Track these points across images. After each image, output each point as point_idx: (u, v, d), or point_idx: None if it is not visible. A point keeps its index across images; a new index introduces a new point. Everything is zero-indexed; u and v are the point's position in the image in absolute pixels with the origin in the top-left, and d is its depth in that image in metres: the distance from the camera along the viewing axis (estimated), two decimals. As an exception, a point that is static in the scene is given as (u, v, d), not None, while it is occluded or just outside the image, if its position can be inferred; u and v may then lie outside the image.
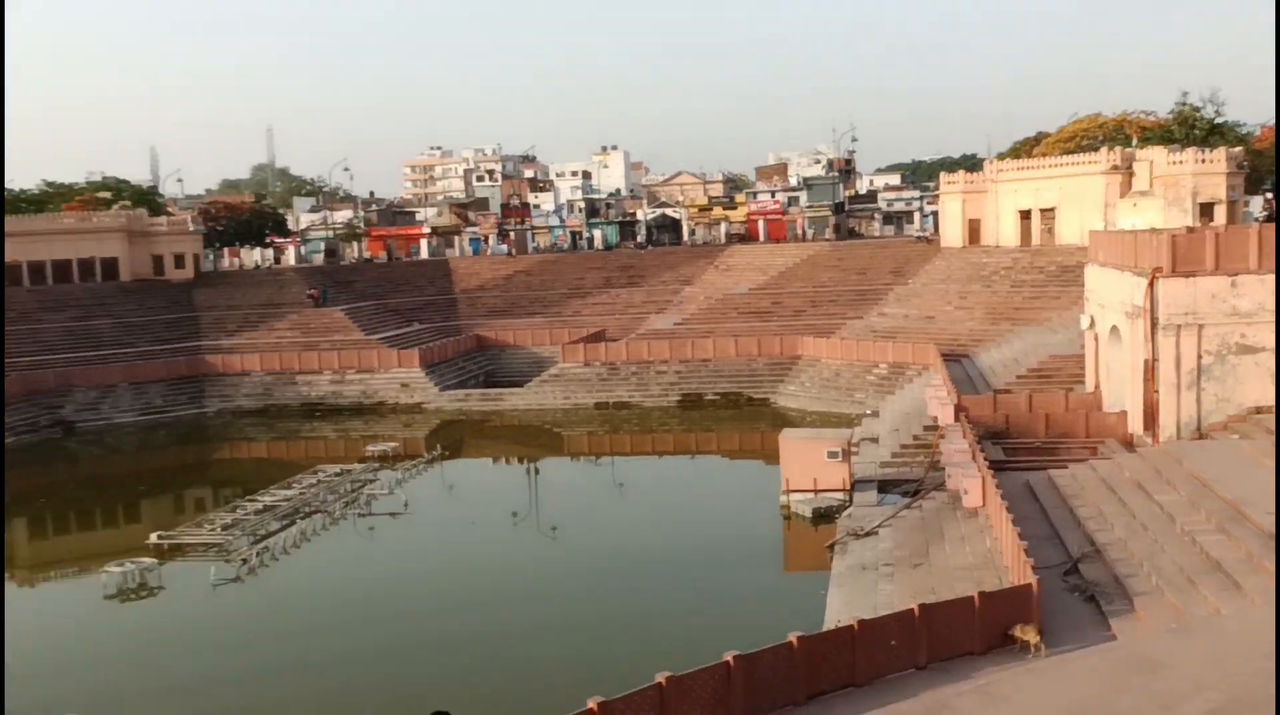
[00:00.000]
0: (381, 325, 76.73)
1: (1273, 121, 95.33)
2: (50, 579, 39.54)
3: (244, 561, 35.65)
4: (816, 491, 37.50)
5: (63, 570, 40.40)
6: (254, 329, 74.79)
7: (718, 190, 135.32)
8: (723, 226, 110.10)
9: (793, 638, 18.43)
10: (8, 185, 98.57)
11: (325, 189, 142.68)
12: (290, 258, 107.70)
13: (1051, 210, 67.40)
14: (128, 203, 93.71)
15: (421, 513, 43.19)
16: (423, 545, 39.59)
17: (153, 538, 37.68)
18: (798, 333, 65.88)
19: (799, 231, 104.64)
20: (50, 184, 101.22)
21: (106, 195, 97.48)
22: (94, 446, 60.80)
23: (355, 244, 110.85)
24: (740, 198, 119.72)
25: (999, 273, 66.19)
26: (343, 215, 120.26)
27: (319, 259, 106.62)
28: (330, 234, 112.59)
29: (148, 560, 35.23)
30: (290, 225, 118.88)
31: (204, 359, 69.89)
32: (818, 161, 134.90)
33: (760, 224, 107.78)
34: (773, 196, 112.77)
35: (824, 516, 36.27)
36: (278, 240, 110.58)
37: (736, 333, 67.54)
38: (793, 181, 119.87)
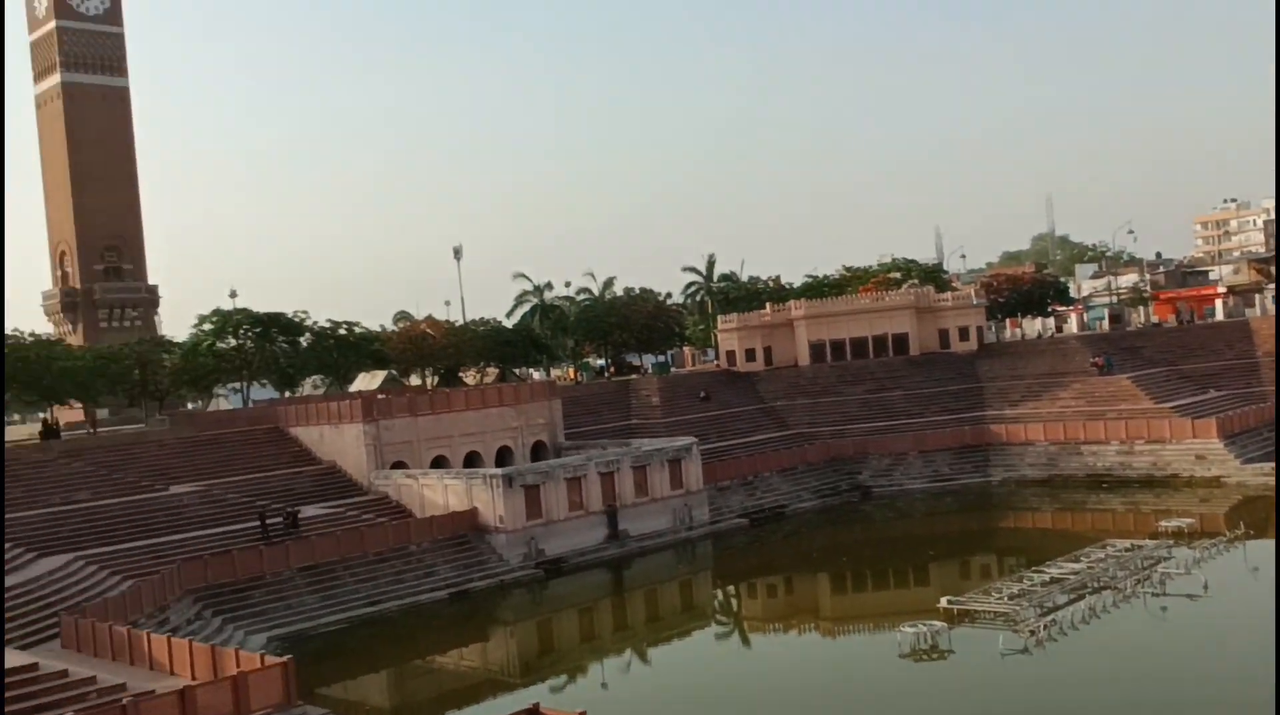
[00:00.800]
0: (1173, 393, 72.32)
1: None
2: (849, 632, 42.76)
3: (1032, 633, 35.38)
4: None
5: (860, 625, 43.52)
6: (1037, 398, 74.67)
7: None
8: None
9: None
10: (817, 272, 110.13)
11: (1108, 253, 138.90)
12: (1072, 326, 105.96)
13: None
14: (915, 281, 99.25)
15: (1222, 596, 39.57)
16: (1222, 632, 36.19)
17: (943, 601, 38.92)
18: None
19: None
20: (848, 268, 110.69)
21: (896, 275, 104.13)
22: (887, 510, 64.93)
23: (1141, 308, 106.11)
24: None
25: None
26: (1127, 279, 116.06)
27: (1103, 326, 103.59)
28: (1114, 299, 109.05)
29: (938, 623, 36.47)
30: (1072, 293, 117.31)
31: (988, 428, 71.32)
32: None
33: None
34: None
35: None
36: (1059, 308, 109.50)
37: None
38: None
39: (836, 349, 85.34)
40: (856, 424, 74.83)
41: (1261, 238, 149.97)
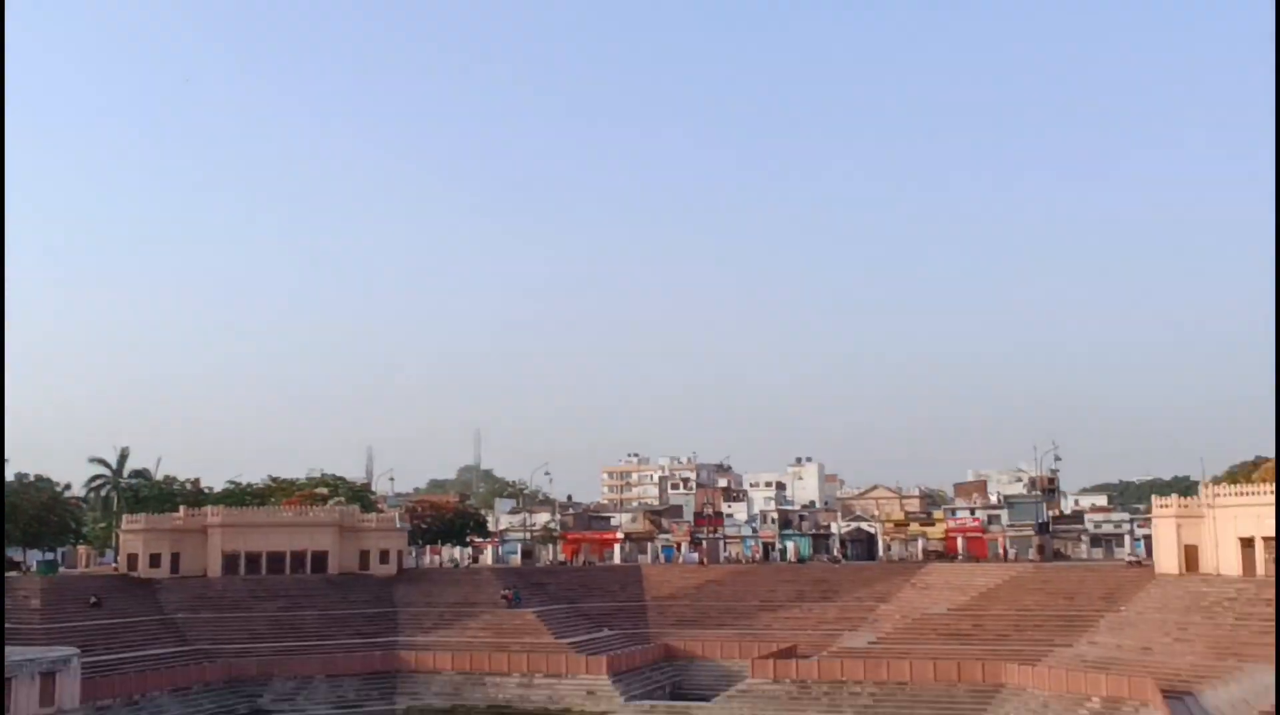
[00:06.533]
0: (572, 629, 76.76)
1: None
2: None
3: None
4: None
5: None
6: (449, 626, 75.88)
7: (914, 505, 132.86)
8: (920, 542, 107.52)
9: None
10: (239, 480, 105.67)
11: (526, 491, 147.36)
12: (488, 557, 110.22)
13: (1274, 539, 63.45)
14: (342, 499, 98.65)
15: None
16: None
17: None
18: (1001, 658, 62.46)
19: (1000, 551, 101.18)
20: (275, 479, 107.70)
21: (324, 491, 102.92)
22: (286, 737, 61.60)
23: (551, 546, 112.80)
24: (938, 514, 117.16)
25: (1221, 603, 61.98)
26: (541, 517, 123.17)
27: (515, 560, 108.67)
28: (527, 536, 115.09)
29: None
30: (490, 526, 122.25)
31: (399, 654, 70.96)
32: (1018, 480, 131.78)
33: (959, 541, 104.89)
34: (972, 514, 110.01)
35: None
36: (477, 540, 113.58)
37: (936, 655, 64.46)
38: (993, 499, 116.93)
39: (252, 562, 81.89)
40: (264, 642, 71.26)
41: (656, 491, 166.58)
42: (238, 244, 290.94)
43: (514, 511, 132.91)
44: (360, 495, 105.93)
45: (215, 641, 70.64)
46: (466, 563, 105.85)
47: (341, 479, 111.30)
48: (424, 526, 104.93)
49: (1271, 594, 60.24)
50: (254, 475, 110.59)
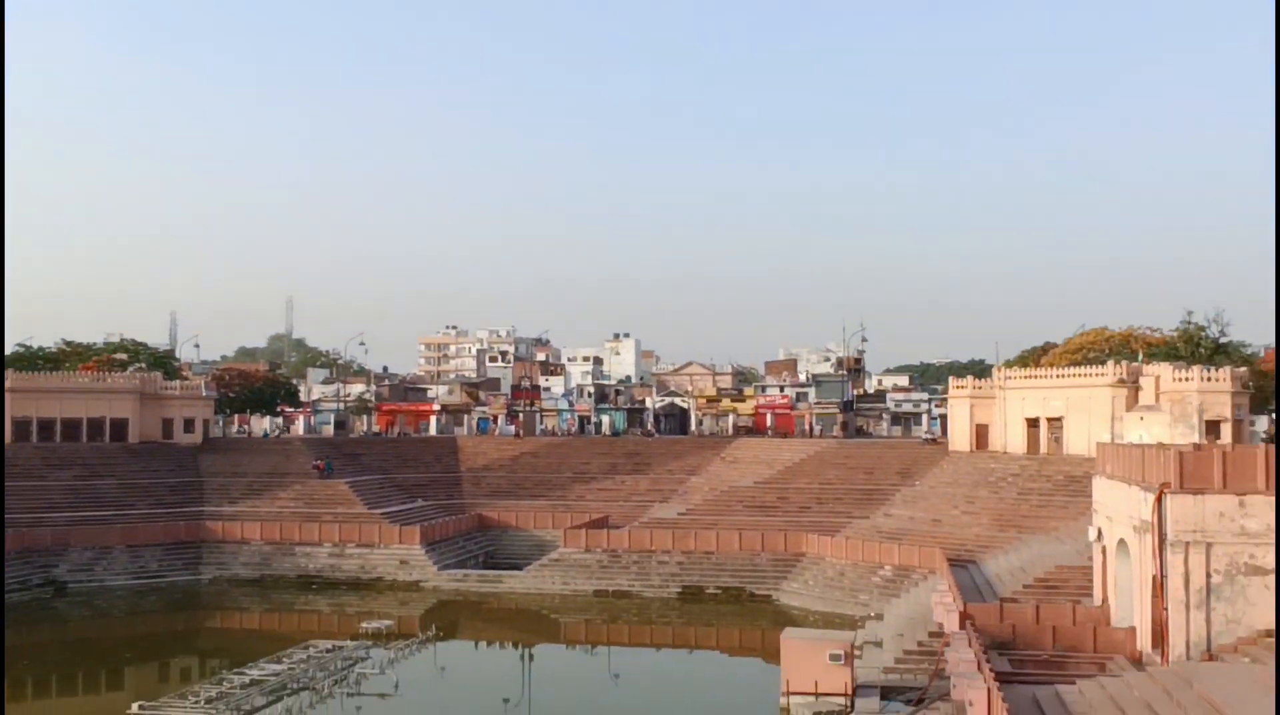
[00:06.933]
0: (385, 500, 76.42)
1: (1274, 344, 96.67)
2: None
3: (226, 737, 34.64)
4: (817, 695, 36.57)
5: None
6: (257, 497, 74.51)
7: (727, 382, 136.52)
8: (730, 418, 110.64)
9: None
10: (32, 343, 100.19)
11: (340, 362, 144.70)
12: (300, 428, 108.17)
13: (1059, 420, 67.74)
14: (143, 365, 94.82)
15: (412, 695, 42.14)
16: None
17: (134, 708, 36.74)
18: (803, 529, 65.40)
19: (807, 427, 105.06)
20: (69, 343, 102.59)
21: (123, 357, 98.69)
22: (84, 608, 59.86)
23: (365, 417, 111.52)
24: (749, 391, 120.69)
25: (1006, 479, 66.07)
26: (356, 388, 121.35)
27: (328, 431, 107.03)
28: (341, 406, 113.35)
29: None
30: (303, 396, 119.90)
31: (204, 525, 69.43)
32: (827, 359, 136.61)
33: (768, 418, 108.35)
34: (781, 391, 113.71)
35: (824, 721, 35.28)
36: (289, 410, 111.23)
37: (741, 526, 67.02)
38: (802, 377, 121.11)
39: (45, 429, 78.29)
40: (60, 512, 68.53)
41: (474, 364, 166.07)
42: (28, 78, 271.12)
43: (327, 382, 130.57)
44: (163, 362, 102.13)
45: (7, 511, 67.44)
46: (277, 433, 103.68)
47: (143, 345, 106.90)
48: (232, 395, 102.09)
49: (1052, 471, 64.61)
50: (45, 339, 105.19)
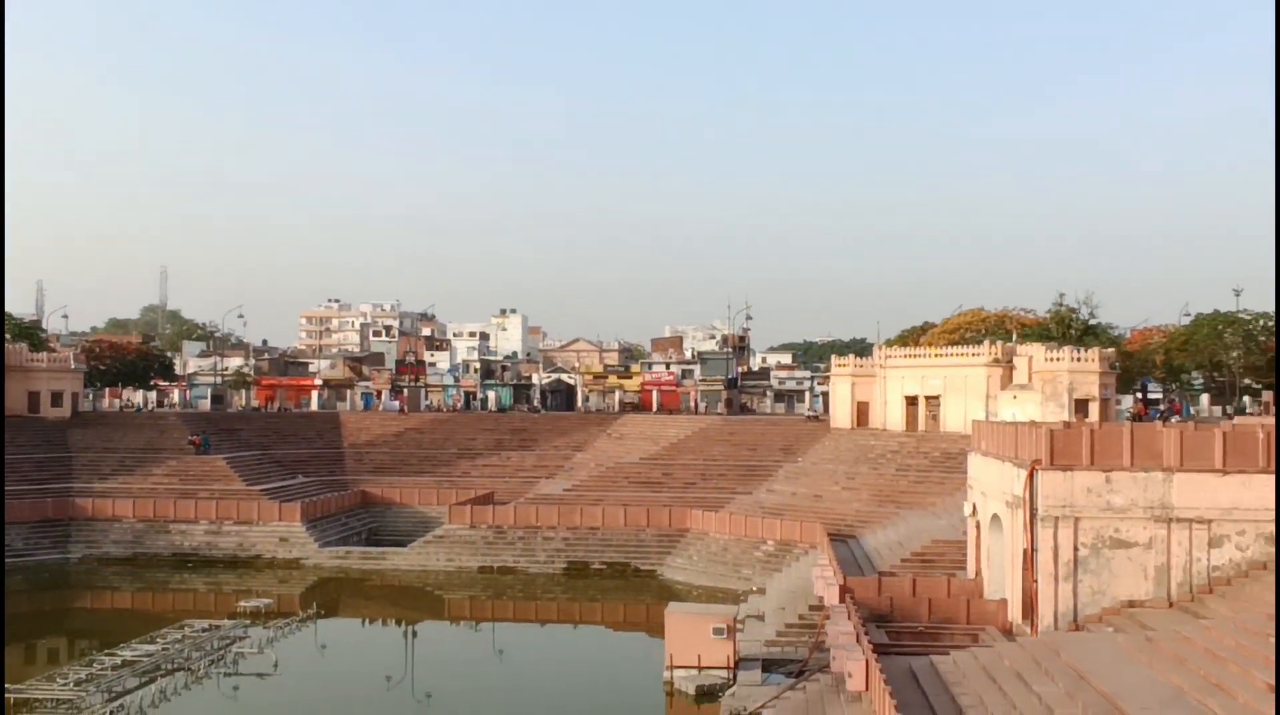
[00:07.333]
0: (265, 476, 74.82)
1: (1141, 326, 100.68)
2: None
3: (97, 720, 33.66)
4: (700, 668, 37.04)
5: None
6: (130, 473, 72.30)
7: (613, 359, 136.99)
8: (617, 395, 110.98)
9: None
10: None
11: (217, 334, 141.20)
12: (175, 401, 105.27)
13: (936, 398, 69.51)
14: (7, 336, 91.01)
15: (291, 674, 41.46)
16: (289, 709, 37.89)
17: (-2, 691, 35.43)
18: (687, 505, 66.00)
19: (692, 404, 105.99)
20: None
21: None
22: (-56, 589, 57.40)
23: (244, 392, 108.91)
24: (635, 368, 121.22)
25: (885, 456, 67.58)
26: (234, 362, 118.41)
27: (205, 405, 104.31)
28: (219, 380, 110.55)
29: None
30: (178, 369, 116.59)
31: (73, 502, 67.12)
32: (712, 336, 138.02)
33: (654, 394, 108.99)
34: (667, 368, 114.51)
35: (707, 694, 35.77)
36: (162, 383, 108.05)
37: (626, 502, 67.35)
38: (688, 354, 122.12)
39: (-99, 402, 74.67)
40: (-84, 489, 65.49)
41: (358, 338, 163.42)
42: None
43: (204, 355, 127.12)
44: (29, 332, 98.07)
45: None
46: (151, 407, 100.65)
47: (8, 315, 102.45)
48: (103, 368, 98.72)
49: (930, 448, 66.30)
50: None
